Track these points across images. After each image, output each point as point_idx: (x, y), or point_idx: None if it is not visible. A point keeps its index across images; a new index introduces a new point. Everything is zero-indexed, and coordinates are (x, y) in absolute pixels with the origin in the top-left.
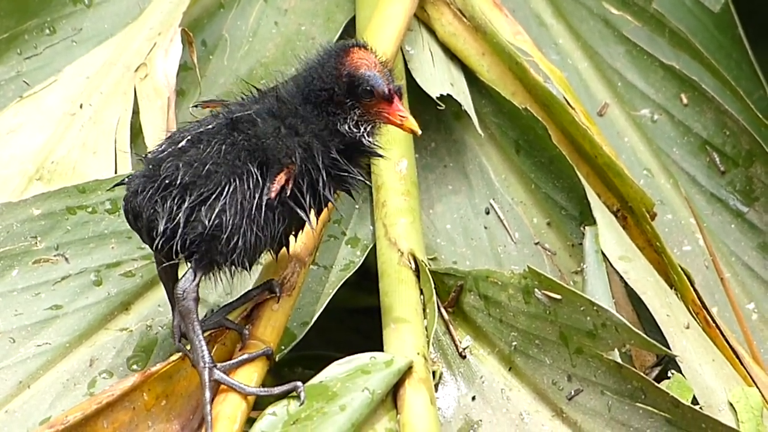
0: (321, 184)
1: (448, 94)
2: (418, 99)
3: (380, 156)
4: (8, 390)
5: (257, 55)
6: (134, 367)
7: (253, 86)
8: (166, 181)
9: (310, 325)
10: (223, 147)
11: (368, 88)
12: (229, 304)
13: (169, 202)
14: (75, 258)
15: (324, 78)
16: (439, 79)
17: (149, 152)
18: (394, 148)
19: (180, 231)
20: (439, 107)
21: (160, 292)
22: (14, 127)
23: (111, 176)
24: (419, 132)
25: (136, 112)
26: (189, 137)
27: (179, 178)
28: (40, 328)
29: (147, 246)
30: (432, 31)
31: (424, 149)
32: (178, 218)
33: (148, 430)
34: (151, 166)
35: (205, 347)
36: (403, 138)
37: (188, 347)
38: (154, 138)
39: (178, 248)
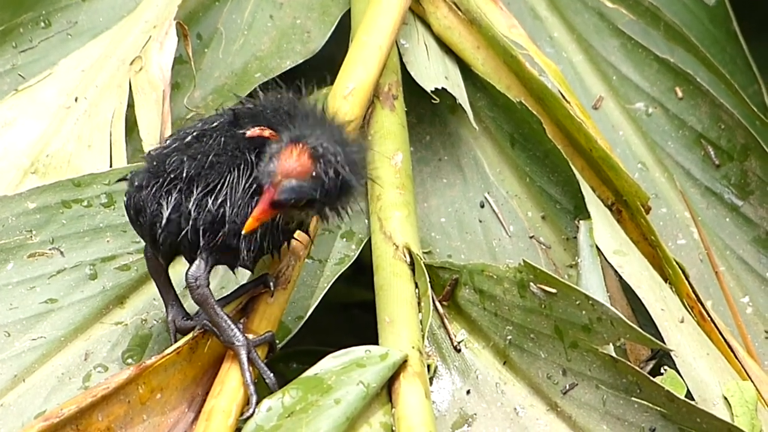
0: None
1: (443, 88)
2: (413, 92)
3: None
4: (3, 384)
5: (252, 49)
6: (129, 360)
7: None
8: (172, 176)
9: (305, 319)
10: (223, 139)
11: None
12: (224, 297)
13: (174, 194)
14: (70, 252)
15: None
16: (434, 72)
17: (152, 149)
18: (389, 141)
19: (191, 222)
20: (433, 101)
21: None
22: (9, 120)
23: (106, 170)
24: None
25: (131, 106)
26: (194, 133)
27: (185, 171)
28: (35, 322)
29: (142, 240)
30: (427, 25)
31: (419, 142)
32: (186, 210)
33: (143, 423)
34: (155, 163)
35: (234, 326)
36: (399, 131)
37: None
38: (149, 131)
39: (189, 239)
